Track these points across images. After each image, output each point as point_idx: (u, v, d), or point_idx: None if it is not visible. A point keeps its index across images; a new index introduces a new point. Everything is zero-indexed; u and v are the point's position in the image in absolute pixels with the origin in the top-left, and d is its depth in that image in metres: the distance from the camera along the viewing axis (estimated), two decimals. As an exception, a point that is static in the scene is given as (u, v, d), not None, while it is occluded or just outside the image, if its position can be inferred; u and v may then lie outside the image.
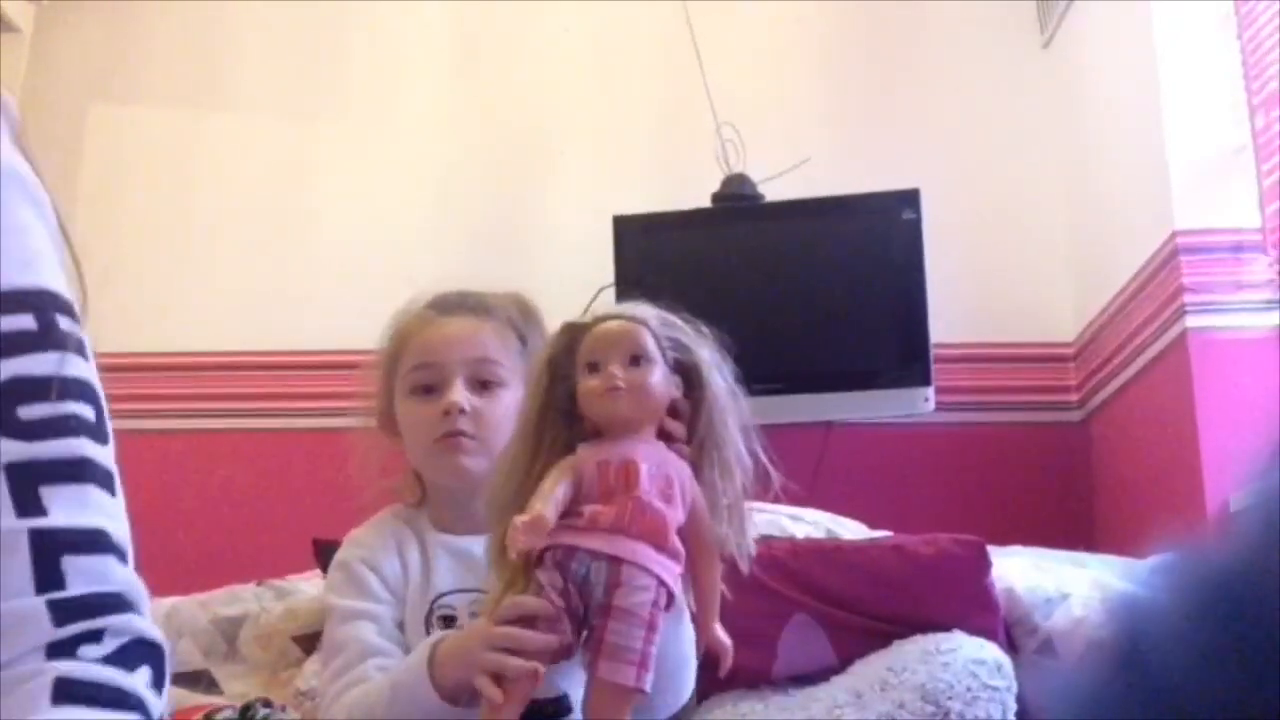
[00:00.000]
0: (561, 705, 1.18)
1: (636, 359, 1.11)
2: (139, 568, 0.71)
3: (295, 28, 3.13)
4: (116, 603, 0.66)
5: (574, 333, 1.14)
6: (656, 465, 1.08)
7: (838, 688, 1.72)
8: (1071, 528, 2.54)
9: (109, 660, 0.65)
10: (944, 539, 1.88)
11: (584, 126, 3.03)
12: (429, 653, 1.16)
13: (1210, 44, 2.28)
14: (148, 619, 0.69)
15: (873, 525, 2.16)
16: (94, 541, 0.66)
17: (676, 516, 1.07)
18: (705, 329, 1.21)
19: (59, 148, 3.02)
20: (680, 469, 1.10)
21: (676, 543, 1.06)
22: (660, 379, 1.11)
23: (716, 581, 1.11)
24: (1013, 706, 1.69)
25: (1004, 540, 2.08)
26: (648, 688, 1.02)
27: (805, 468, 2.57)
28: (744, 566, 1.12)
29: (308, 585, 2.31)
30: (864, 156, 2.90)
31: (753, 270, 2.69)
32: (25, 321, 0.70)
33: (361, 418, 1.45)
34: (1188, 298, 2.19)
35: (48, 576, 0.64)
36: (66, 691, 0.62)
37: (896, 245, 2.61)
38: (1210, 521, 2.09)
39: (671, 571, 1.06)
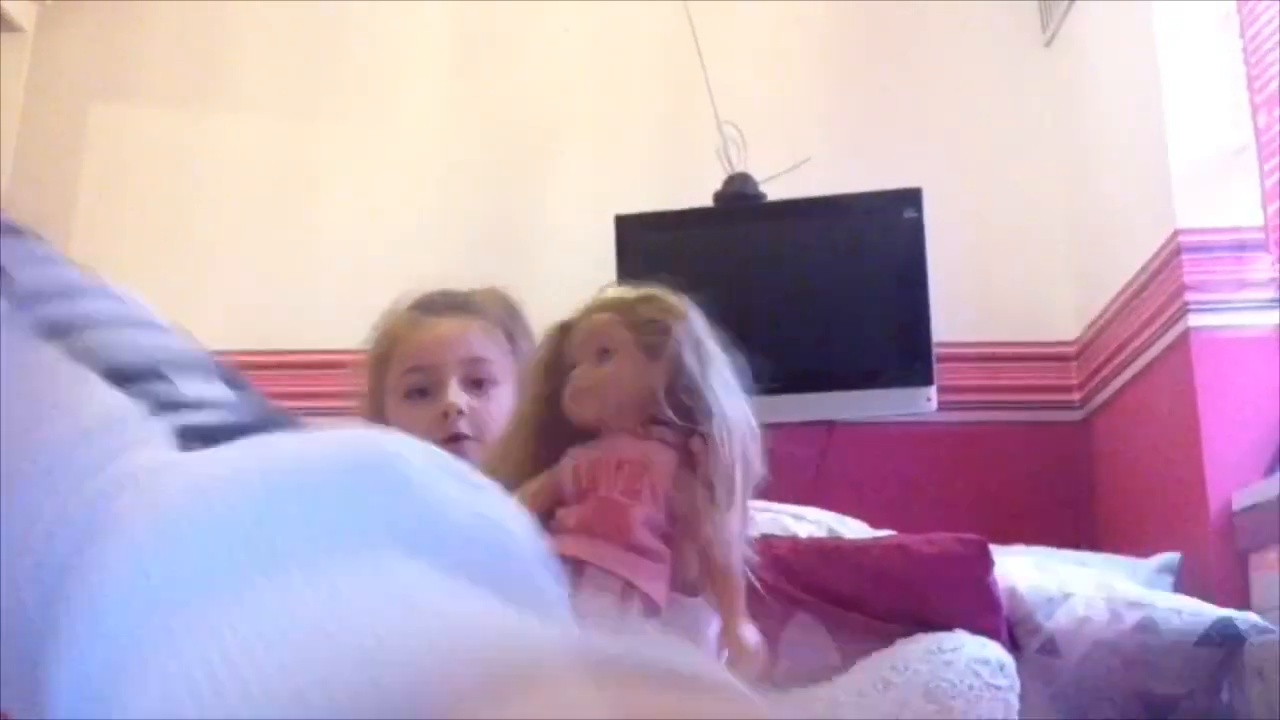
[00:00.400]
0: None
1: (604, 352, 1.09)
2: None
3: (296, 28, 3.13)
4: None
5: (564, 332, 1.14)
6: (629, 460, 1.05)
7: (840, 687, 1.71)
8: (1073, 527, 2.54)
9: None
10: (946, 538, 1.88)
11: (585, 126, 3.03)
12: None
13: (1212, 43, 2.28)
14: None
15: (875, 524, 2.16)
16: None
17: (647, 513, 1.03)
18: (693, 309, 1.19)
19: (60, 147, 3.02)
20: (660, 463, 1.05)
21: (647, 540, 1.02)
22: (629, 369, 1.08)
23: (725, 579, 1.04)
24: (1015, 706, 1.69)
25: (1006, 539, 2.08)
26: None
27: (807, 467, 2.57)
28: (735, 570, 1.05)
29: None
30: (866, 156, 2.90)
31: (755, 269, 2.68)
32: None
33: (349, 419, 1.45)
34: (1190, 297, 2.19)
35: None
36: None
37: (898, 245, 2.61)
38: (1212, 520, 2.09)
39: (644, 570, 1.01)
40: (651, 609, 1.00)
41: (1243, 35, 2.24)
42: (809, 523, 2.09)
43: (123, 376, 0.53)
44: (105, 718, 0.36)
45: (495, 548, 0.41)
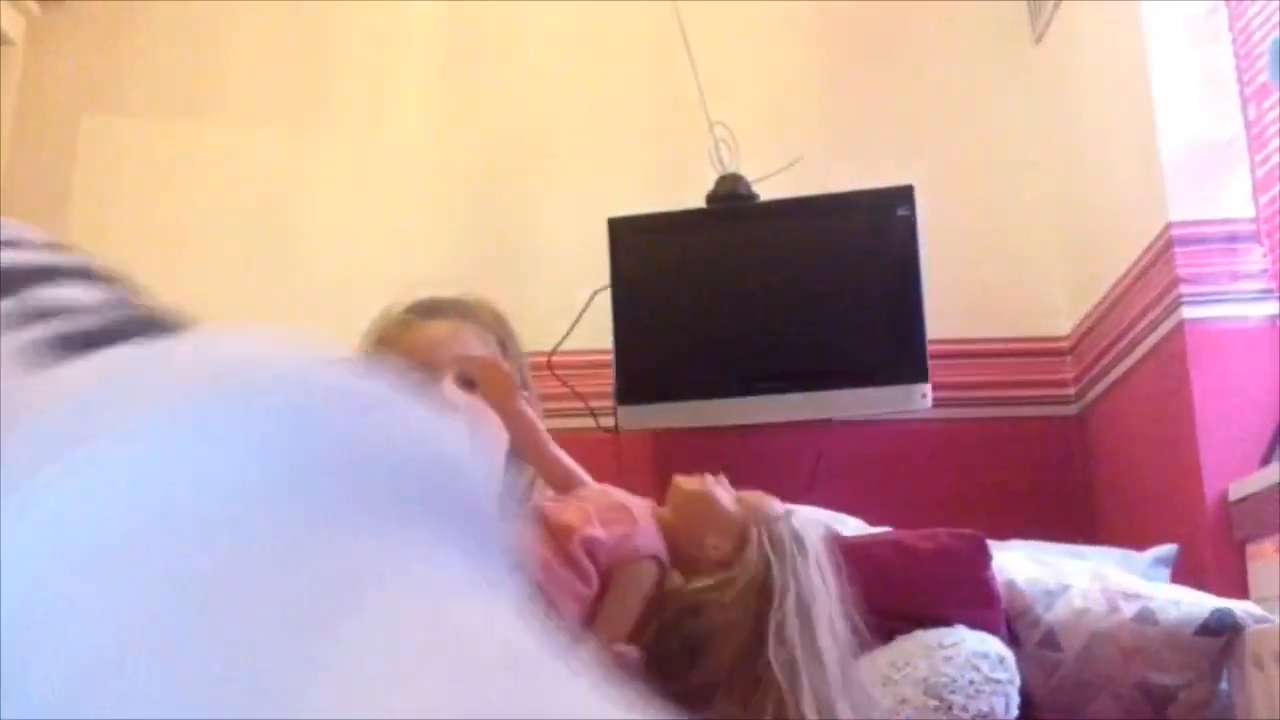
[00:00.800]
0: None
1: None
2: None
3: (287, 37, 3.13)
4: None
5: None
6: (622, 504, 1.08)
7: (840, 684, 1.71)
8: (1070, 520, 2.54)
9: None
10: (943, 534, 1.88)
11: (577, 129, 3.03)
12: None
13: (1201, 36, 2.29)
14: None
15: (872, 521, 2.16)
16: None
17: (596, 537, 1.04)
18: None
19: (52, 158, 3.02)
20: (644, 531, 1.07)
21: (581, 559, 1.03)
22: None
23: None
24: (1016, 699, 1.69)
25: (1003, 534, 2.08)
26: None
27: (803, 465, 2.58)
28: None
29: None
30: (858, 154, 2.90)
31: (748, 270, 2.69)
32: None
33: None
34: (1183, 289, 2.20)
35: None
36: None
37: (891, 242, 2.61)
38: (1209, 511, 2.10)
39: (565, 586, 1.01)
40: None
41: (1231, 28, 2.25)
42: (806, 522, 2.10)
43: None
44: None
45: (446, 479, 0.37)
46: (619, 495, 1.06)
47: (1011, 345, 2.82)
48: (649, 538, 1.02)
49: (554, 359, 2.57)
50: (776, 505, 1.13)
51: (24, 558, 0.28)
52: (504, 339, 1.46)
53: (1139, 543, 2.19)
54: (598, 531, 1.00)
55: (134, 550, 0.29)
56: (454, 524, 0.34)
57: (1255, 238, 2.19)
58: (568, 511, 1.02)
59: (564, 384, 2.60)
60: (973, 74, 2.99)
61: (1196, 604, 1.79)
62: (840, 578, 1.14)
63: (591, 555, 0.98)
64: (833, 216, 2.70)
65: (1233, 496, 2.07)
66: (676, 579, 1.07)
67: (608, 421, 2.62)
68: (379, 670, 0.28)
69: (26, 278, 0.46)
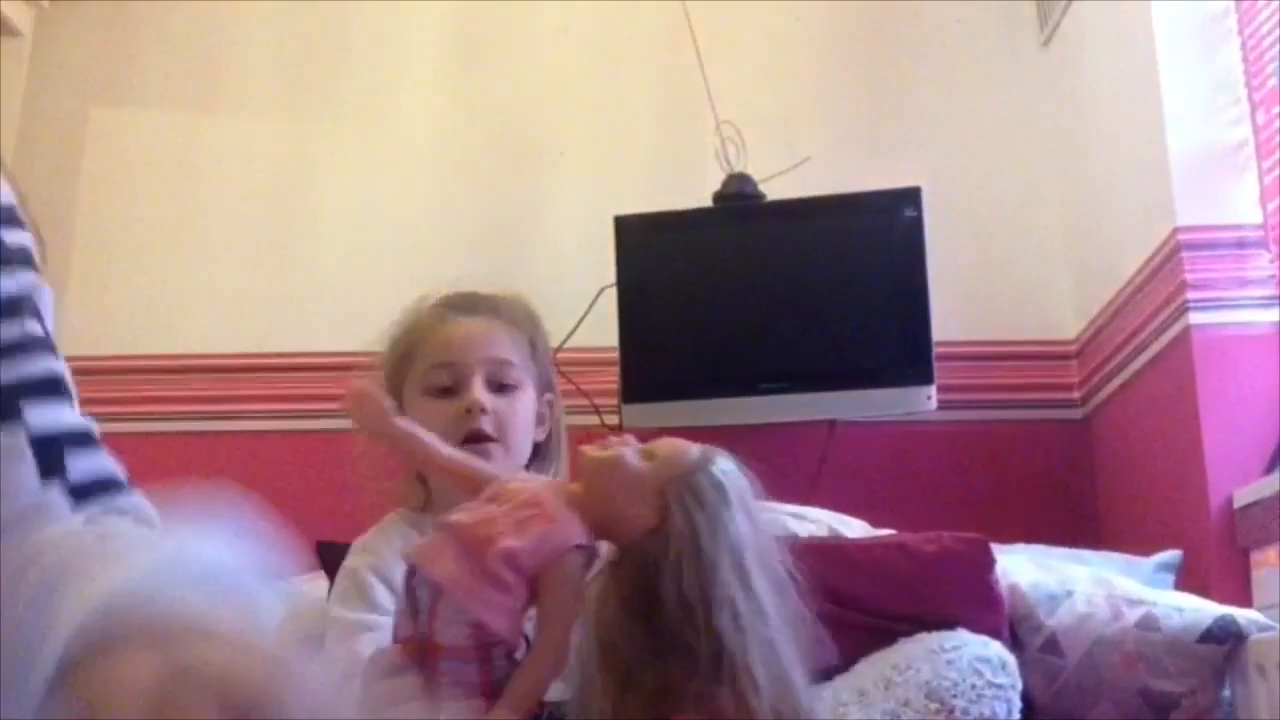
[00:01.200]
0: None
1: None
2: None
3: (295, 30, 3.13)
4: (119, 484, 0.71)
5: None
6: (539, 501, 1.04)
7: (841, 686, 1.71)
8: (1074, 525, 2.54)
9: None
10: (947, 537, 1.88)
11: (584, 127, 3.03)
12: None
13: (1210, 40, 2.28)
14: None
15: (876, 523, 2.16)
16: (86, 438, 0.70)
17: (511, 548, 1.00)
18: None
19: (60, 151, 3.02)
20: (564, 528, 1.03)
21: (501, 570, 0.98)
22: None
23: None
24: (1017, 704, 1.69)
25: (1007, 538, 2.08)
26: None
27: (808, 466, 2.58)
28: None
29: (310, 587, 2.30)
30: (865, 155, 2.90)
31: (754, 270, 2.68)
32: None
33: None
34: (1190, 294, 2.19)
35: (51, 471, 0.67)
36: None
37: (898, 244, 2.61)
38: (1213, 518, 2.09)
39: (491, 601, 0.98)
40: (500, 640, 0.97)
41: (1241, 32, 2.24)
42: (810, 522, 2.09)
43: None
44: None
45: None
46: (531, 487, 1.02)
47: (1017, 348, 2.81)
48: (567, 529, 0.98)
49: (559, 356, 2.57)
50: (690, 453, 1.05)
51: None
52: (534, 338, 1.45)
53: (1143, 548, 2.19)
54: (513, 541, 0.96)
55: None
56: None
57: (1263, 244, 2.18)
58: (479, 523, 0.98)
59: (569, 381, 2.60)
60: (981, 76, 2.98)
61: (1200, 611, 1.78)
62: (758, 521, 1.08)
63: (513, 566, 0.96)
64: (840, 217, 2.70)
65: (1237, 503, 2.06)
66: (610, 551, 1.02)
67: (612, 419, 2.62)
68: None
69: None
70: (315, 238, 2.99)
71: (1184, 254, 2.21)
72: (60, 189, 3.00)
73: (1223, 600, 1.83)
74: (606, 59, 3.08)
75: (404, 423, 1.07)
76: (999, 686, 1.68)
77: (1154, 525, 2.31)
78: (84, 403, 0.73)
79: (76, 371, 0.72)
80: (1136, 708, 1.76)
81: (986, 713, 1.64)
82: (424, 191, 3.01)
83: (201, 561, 0.59)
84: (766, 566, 1.04)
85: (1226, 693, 1.77)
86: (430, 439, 1.08)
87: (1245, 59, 2.23)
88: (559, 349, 2.61)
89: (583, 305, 2.69)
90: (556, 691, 1.12)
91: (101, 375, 2.67)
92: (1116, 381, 2.55)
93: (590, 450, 1.04)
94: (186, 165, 3.05)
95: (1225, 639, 1.74)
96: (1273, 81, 2.14)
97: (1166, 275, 2.27)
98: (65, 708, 0.47)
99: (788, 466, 2.53)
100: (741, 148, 2.80)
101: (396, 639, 1.00)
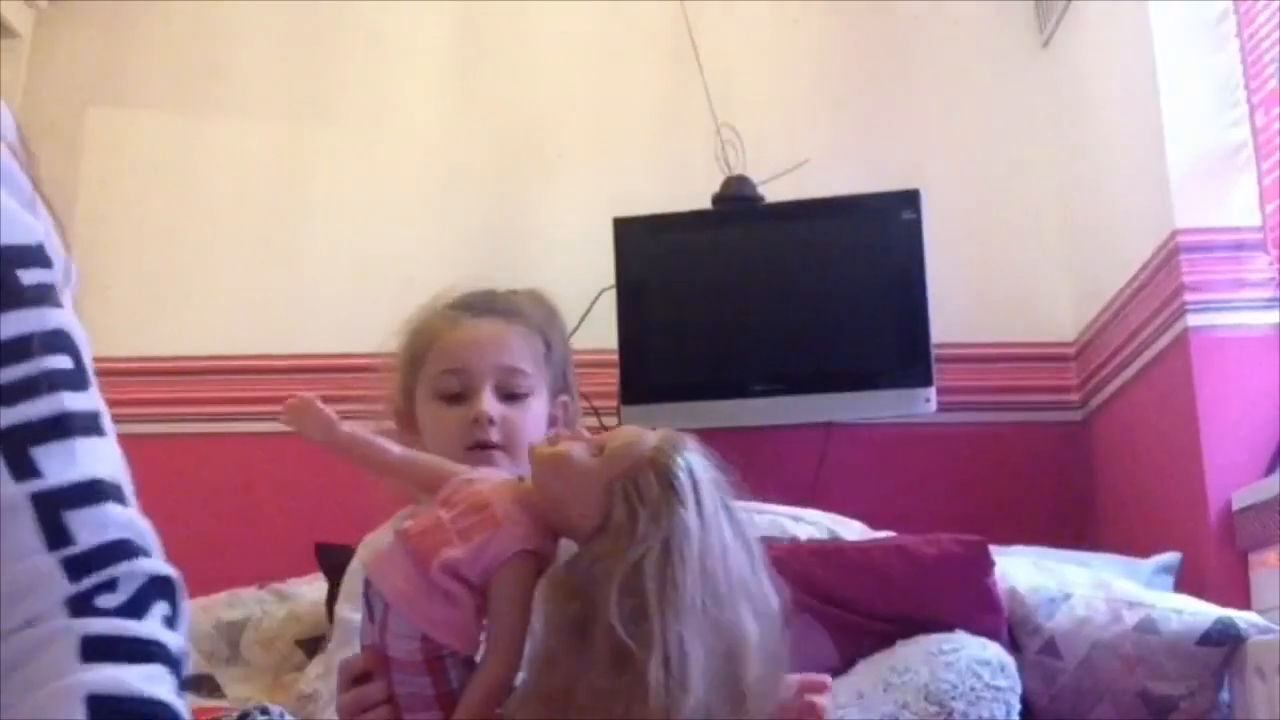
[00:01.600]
0: None
1: None
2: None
3: (293, 31, 3.12)
4: (125, 549, 0.69)
5: None
6: (487, 504, 1.01)
7: (840, 688, 1.71)
8: (1073, 527, 2.54)
9: (124, 610, 0.67)
10: (946, 539, 1.88)
11: (583, 128, 3.03)
12: None
13: (1209, 42, 2.28)
14: (156, 557, 0.72)
15: (874, 526, 2.16)
16: (89, 493, 0.69)
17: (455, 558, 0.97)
18: None
19: (58, 151, 3.02)
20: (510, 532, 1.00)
21: (444, 581, 0.96)
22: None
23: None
24: (1016, 706, 1.69)
25: (1006, 540, 2.08)
26: None
27: (807, 469, 2.58)
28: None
29: (309, 589, 2.31)
30: (864, 157, 2.90)
31: (753, 272, 2.68)
32: None
33: (373, 420, 1.43)
34: (1188, 296, 2.19)
35: (55, 535, 0.66)
36: (95, 649, 0.65)
37: (897, 246, 2.61)
38: (1212, 520, 2.09)
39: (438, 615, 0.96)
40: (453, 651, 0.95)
41: (1240, 34, 2.24)
42: (808, 524, 2.10)
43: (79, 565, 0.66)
44: None
45: None
46: (483, 489, 0.99)
47: (1016, 350, 2.81)
48: (511, 535, 0.94)
49: (558, 358, 2.57)
50: (642, 446, 0.96)
51: None
52: (550, 338, 1.44)
53: (1142, 550, 2.19)
54: (455, 551, 0.93)
55: None
56: None
57: (1262, 246, 2.18)
58: (426, 532, 0.96)
59: (568, 383, 2.60)
60: (979, 78, 2.98)
61: (1199, 614, 1.78)
62: (733, 519, 0.98)
63: (457, 576, 0.93)
64: (838, 219, 2.70)
65: (1236, 505, 2.06)
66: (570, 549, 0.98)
67: (612, 421, 2.62)
68: None
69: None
70: (315, 238, 2.99)
71: (1183, 256, 2.21)
72: (59, 189, 2.97)
73: (1221, 602, 1.83)
74: (606, 60, 3.07)
75: (350, 427, 1.06)
76: (998, 689, 1.68)
77: (1153, 527, 2.31)
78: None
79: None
80: (1135, 710, 1.76)
81: (985, 715, 1.64)
82: (423, 192, 3.01)
83: None
84: (711, 565, 0.94)
85: (1225, 695, 1.77)
86: (380, 442, 1.06)
87: (1244, 61, 2.23)
88: (558, 351, 2.61)
89: (582, 307, 2.69)
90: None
91: (99, 376, 2.66)
92: (1115, 384, 2.55)
93: (538, 447, 0.99)
94: (185, 166, 3.05)
95: (1224, 641, 1.74)
96: (1272, 83, 2.14)
97: (1165, 277, 2.27)
98: None
99: (786, 468, 2.53)
100: (740, 150, 2.80)
101: (362, 646, 0.99)
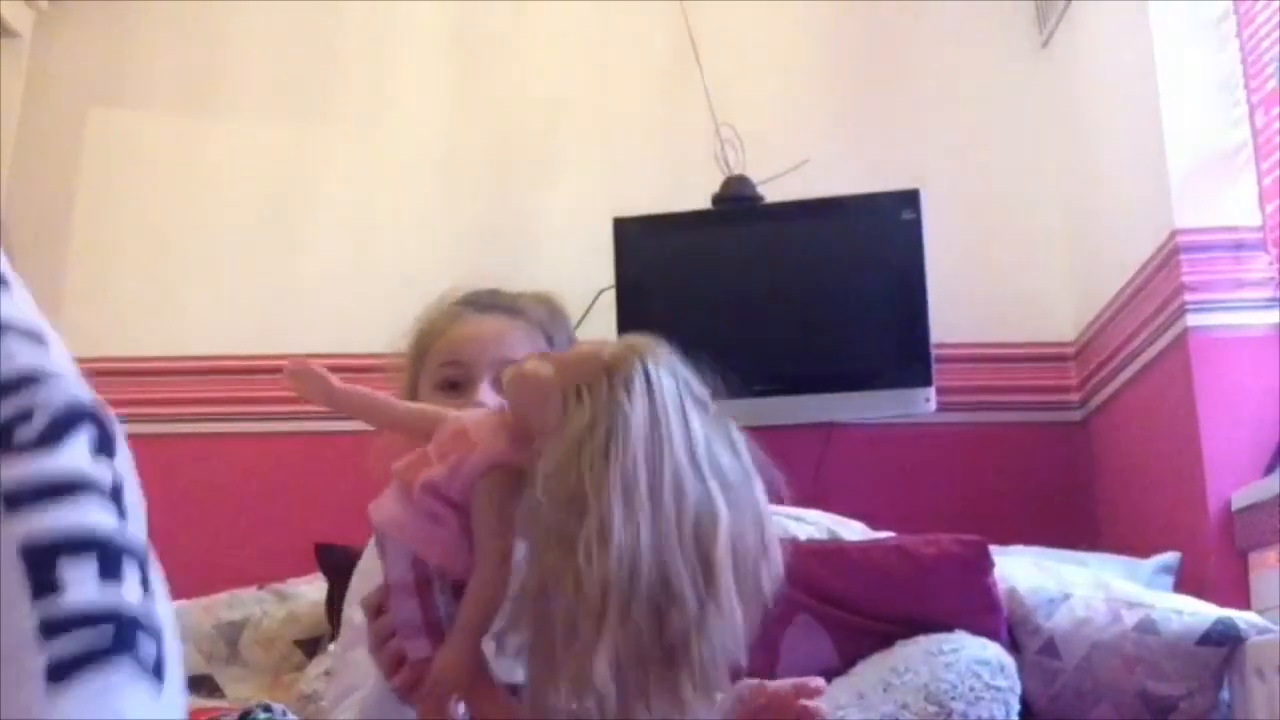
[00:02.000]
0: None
1: None
2: None
3: (293, 32, 3.13)
4: (117, 620, 0.63)
5: None
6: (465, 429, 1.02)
7: (840, 689, 1.71)
8: (1073, 527, 2.54)
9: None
10: (946, 539, 1.88)
11: (583, 128, 3.03)
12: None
13: (1209, 42, 2.28)
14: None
15: (874, 526, 2.16)
16: (88, 544, 0.65)
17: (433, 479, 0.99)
18: None
19: (58, 152, 3.03)
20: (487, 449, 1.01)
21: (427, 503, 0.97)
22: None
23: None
24: (1016, 706, 1.69)
25: (1006, 540, 2.08)
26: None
27: (807, 469, 2.57)
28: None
29: (309, 589, 2.31)
30: (863, 157, 2.90)
31: (753, 271, 2.68)
32: None
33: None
34: (1188, 296, 2.19)
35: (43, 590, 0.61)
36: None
37: (897, 246, 2.61)
38: (1212, 520, 2.09)
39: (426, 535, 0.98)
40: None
41: (1239, 35, 2.24)
42: (808, 524, 2.10)
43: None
44: None
45: None
46: (463, 418, 1.01)
47: (1016, 350, 2.81)
48: (484, 452, 0.96)
49: (558, 358, 2.57)
50: (600, 353, 0.97)
51: None
52: (554, 337, 1.44)
53: (1142, 550, 2.19)
54: (433, 473, 0.95)
55: None
56: None
57: (1261, 246, 2.18)
58: (412, 464, 0.99)
59: (567, 384, 2.60)
60: (980, 78, 2.98)
61: (1198, 614, 1.78)
62: (706, 415, 0.98)
63: (437, 496, 0.96)
64: (838, 219, 2.70)
65: (1236, 505, 2.06)
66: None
67: (611, 422, 2.62)
68: None
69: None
70: (314, 239, 2.99)
71: (1182, 256, 2.21)
72: (59, 189, 3.00)
73: (1221, 603, 1.83)
74: (607, 61, 3.08)
75: (350, 386, 1.07)
76: (997, 689, 1.68)
77: (1153, 527, 2.31)
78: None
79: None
80: (1135, 710, 1.76)
81: (985, 715, 1.65)
82: (423, 193, 3.01)
83: None
84: (682, 452, 0.93)
85: (1225, 695, 1.77)
86: (382, 396, 1.07)
87: (1244, 61, 2.23)
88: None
89: (581, 307, 2.68)
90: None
91: (99, 377, 2.66)
92: (1115, 383, 2.55)
93: (508, 369, 1.00)
94: (185, 166, 3.05)
95: (1224, 641, 1.74)
96: (1272, 83, 2.14)
97: (1165, 277, 2.27)
98: None
99: (787, 468, 2.52)
100: (740, 150, 2.80)
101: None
